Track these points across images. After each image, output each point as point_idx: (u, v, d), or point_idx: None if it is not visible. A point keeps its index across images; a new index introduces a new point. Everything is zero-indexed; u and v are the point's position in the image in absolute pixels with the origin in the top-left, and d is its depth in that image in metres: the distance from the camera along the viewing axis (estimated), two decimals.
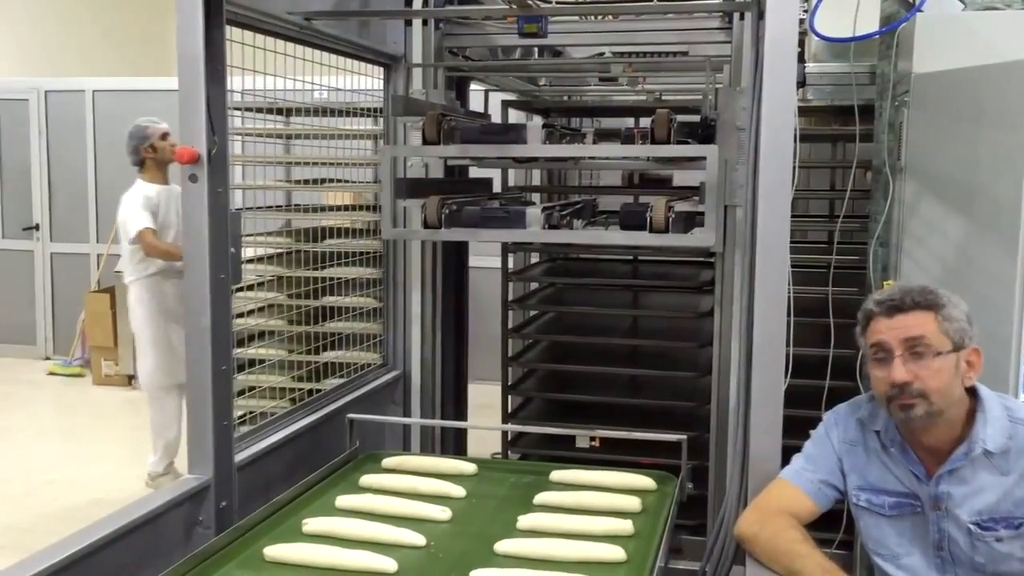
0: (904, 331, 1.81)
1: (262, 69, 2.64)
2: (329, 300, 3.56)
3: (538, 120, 2.83)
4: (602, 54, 3.52)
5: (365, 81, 3.24)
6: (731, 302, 2.78)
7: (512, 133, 2.70)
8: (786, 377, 2.12)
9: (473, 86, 3.68)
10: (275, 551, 1.98)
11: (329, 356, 3.32)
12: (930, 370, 1.79)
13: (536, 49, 3.70)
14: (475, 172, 3.51)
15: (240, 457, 2.39)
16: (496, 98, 3.84)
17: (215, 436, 2.25)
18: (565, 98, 4.54)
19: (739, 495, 2.09)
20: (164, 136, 4.62)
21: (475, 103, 3.67)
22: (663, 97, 3.93)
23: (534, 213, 2.67)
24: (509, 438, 3.74)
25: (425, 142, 2.67)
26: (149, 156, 4.60)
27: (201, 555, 1.93)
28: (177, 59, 2.13)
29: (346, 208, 4.49)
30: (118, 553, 1.99)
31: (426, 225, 2.67)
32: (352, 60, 3.10)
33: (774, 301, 2.00)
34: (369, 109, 3.39)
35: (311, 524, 2.12)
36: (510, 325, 3.89)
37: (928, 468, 1.88)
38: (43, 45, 8.80)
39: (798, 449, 2.16)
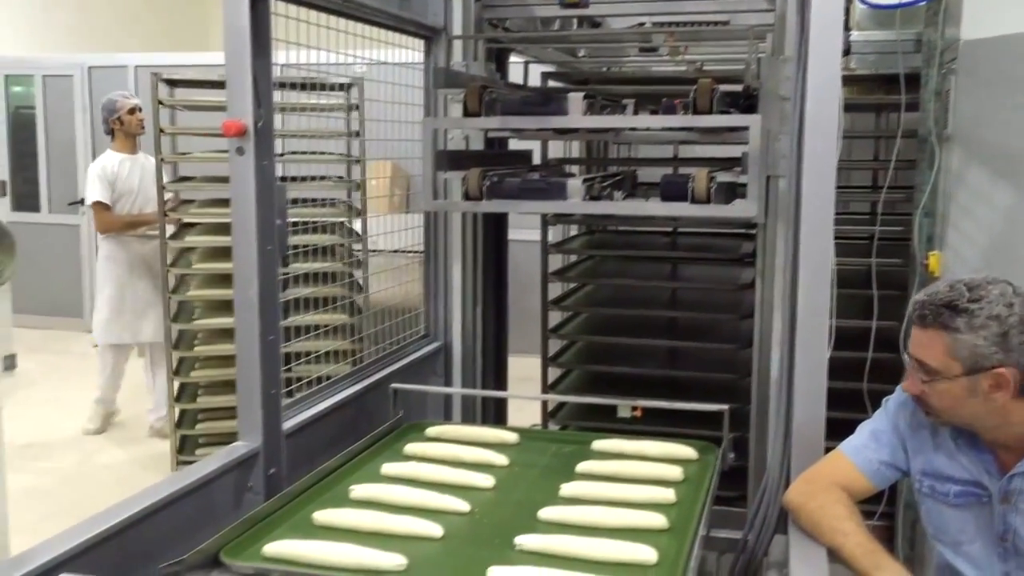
0: (916, 348, 1.79)
1: (304, 42, 2.65)
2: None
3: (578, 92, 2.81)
4: (642, 24, 3.49)
5: (406, 54, 3.26)
6: (773, 274, 2.77)
7: (553, 104, 2.70)
8: (828, 349, 2.11)
9: (513, 58, 3.67)
10: (324, 516, 2.02)
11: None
12: (934, 391, 1.77)
13: (575, 20, 3.68)
14: (514, 144, 3.52)
15: (287, 425, 2.44)
16: (536, 70, 3.83)
17: (264, 405, 2.30)
18: (604, 69, 4.52)
19: (781, 466, 2.09)
20: (132, 111, 5.02)
21: (515, 75, 3.66)
22: (704, 67, 3.89)
23: (575, 184, 2.67)
24: (549, 409, 3.77)
25: (467, 114, 2.68)
26: (117, 128, 4.99)
27: (253, 519, 1.98)
28: (224, 33, 2.16)
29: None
30: (171, 516, 2.04)
31: (467, 197, 2.69)
32: (393, 32, 3.11)
33: (819, 272, 1.99)
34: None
35: (358, 490, 2.16)
36: (549, 298, 3.91)
37: (1001, 461, 1.82)
38: (86, 22, 8.92)
39: (839, 422, 2.15)
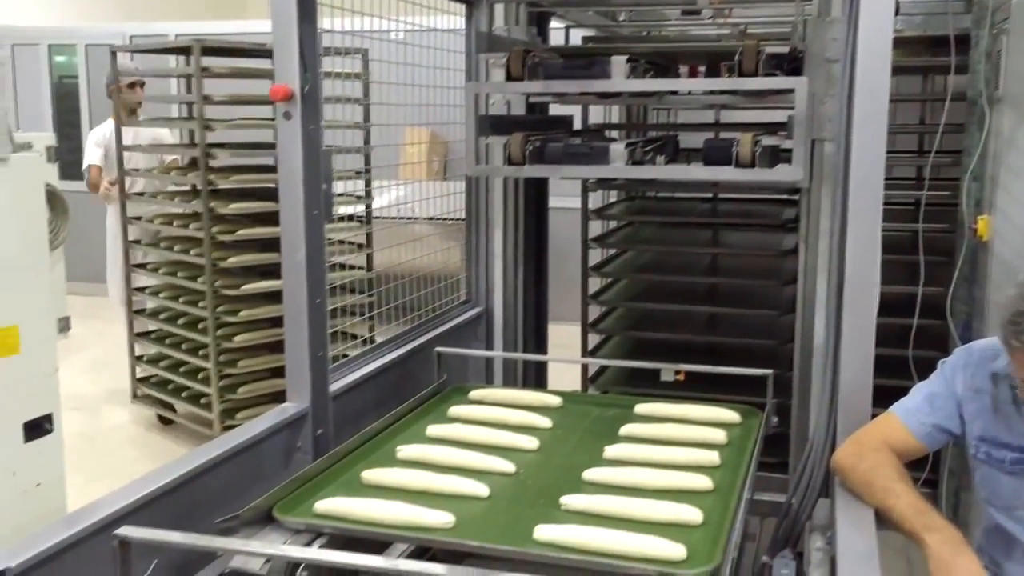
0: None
1: (349, 7, 2.66)
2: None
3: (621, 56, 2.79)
4: None
5: (444, 20, 3.25)
6: (817, 239, 2.75)
7: (596, 68, 2.68)
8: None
9: (553, 23, 3.65)
10: (372, 475, 2.06)
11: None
12: None
13: None
14: (555, 110, 3.51)
15: (333, 388, 2.48)
16: (576, 35, 3.81)
17: (311, 367, 2.34)
18: (645, 33, 4.48)
19: (827, 429, 2.09)
20: (132, 85, 5.22)
21: (555, 40, 3.64)
22: (747, 30, 3.84)
23: (617, 149, 2.67)
24: (589, 375, 3.79)
25: (510, 78, 2.67)
26: (116, 99, 5.12)
27: (303, 477, 2.02)
28: None
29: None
30: (223, 475, 2.09)
31: (510, 162, 2.69)
32: None
33: (868, 236, 1.97)
34: None
35: (404, 451, 2.20)
36: (589, 264, 3.91)
37: None
38: None
39: (883, 389, 2.14)
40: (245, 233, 4.48)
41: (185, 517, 1.93)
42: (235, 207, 4.50)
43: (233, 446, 2.12)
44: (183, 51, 4.93)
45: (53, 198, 3.52)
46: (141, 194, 5.28)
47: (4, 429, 2.96)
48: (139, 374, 5.21)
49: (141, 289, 5.15)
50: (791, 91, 2.58)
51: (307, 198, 2.27)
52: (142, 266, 5.15)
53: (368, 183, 4.46)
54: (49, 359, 3.09)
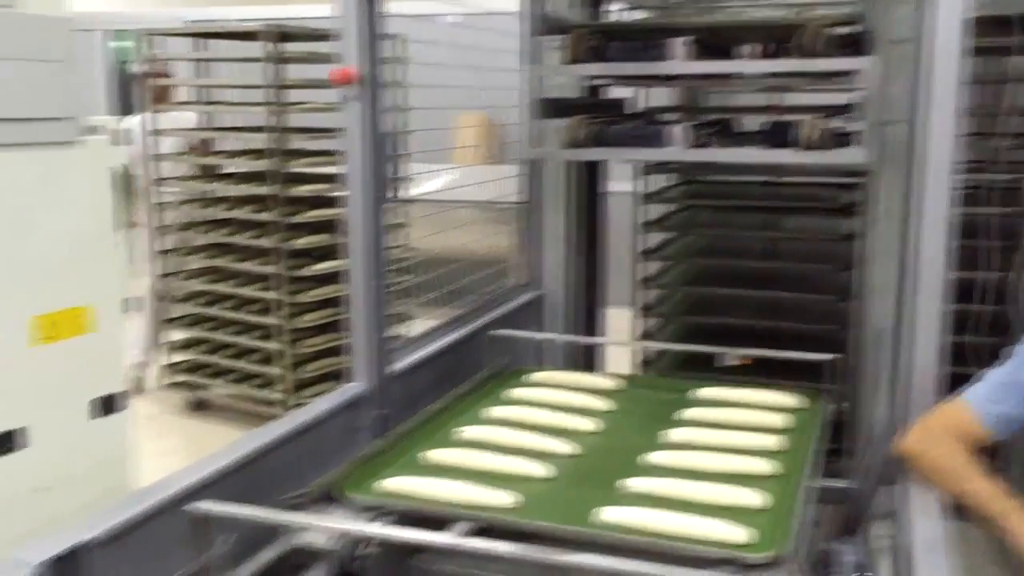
0: None
1: None
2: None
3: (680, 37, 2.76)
4: None
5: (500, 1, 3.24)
6: (880, 223, 2.71)
7: (656, 51, 2.66)
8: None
9: (610, 5, 3.62)
10: (434, 455, 2.08)
11: None
12: None
13: None
14: (610, 93, 3.48)
15: (394, 368, 2.50)
16: (632, 17, 3.77)
17: (374, 348, 2.37)
18: (702, 15, 4.42)
19: (892, 416, 2.06)
20: (156, 75, 5.23)
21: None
22: (805, 12, 3.78)
23: (677, 132, 2.65)
24: (643, 360, 3.78)
25: (569, 61, 2.66)
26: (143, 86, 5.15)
27: (365, 457, 2.05)
28: None
29: None
30: (287, 453, 2.13)
31: (569, 145, 2.68)
32: None
33: (940, 220, 1.94)
34: None
35: (464, 432, 2.22)
36: (642, 249, 3.89)
37: None
38: None
39: (956, 376, 2.10)
40: (314, 215, 4.57)
41: (253, 493, 1.96)
42: (304, 189, 4.59)
43: (298, 425, 2.15)
44: (248, 36, 4.98)
45: (122, 180, 3.62)
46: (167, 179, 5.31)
47: (74, 406, 3.04)
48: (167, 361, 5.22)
49: (172, 274, 5.18)
50: (853, 72, 2.55)
51: (370, 181, 2.29)
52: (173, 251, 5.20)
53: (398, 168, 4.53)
54: (117, 338, 3.17)
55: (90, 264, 3.05)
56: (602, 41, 2.72)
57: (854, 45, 2.65)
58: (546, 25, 2.87)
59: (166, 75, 5.36)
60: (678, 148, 2.61)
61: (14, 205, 2.82)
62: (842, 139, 2.58)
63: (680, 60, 2.57)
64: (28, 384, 2.88)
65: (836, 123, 2.58)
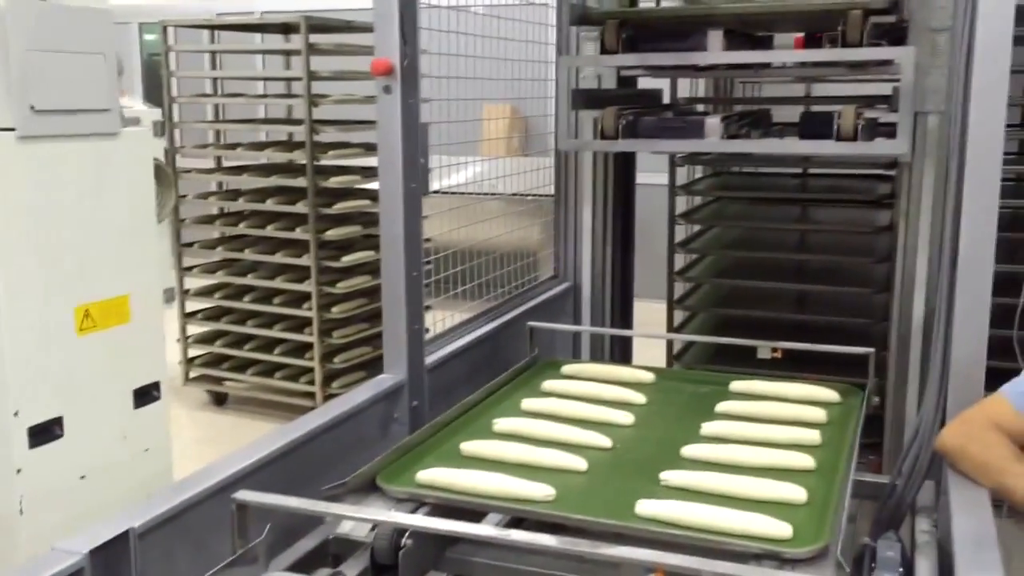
0: None
1: None
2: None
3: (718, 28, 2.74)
4: None
5: None
6: (918, 215, 2.67)
7: (691, 40, 2.64)
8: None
9: None
10: (470, 447, 2.08)
11: None
12: None
13: None
14: (642, 83, 3.46)
15: (429, 360, 2.51)
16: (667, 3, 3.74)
17: (408, 339, 2.37)
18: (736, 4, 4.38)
19: (936, 409, 2.04)
20: None
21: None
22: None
23: (713, 123, 2.63)
24: (675, 352, 3.75)
25: (603, 51, 2.65)
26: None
27: (404, 447, 2.06)
28: None
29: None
30: (325, 443, 2.14)
31: (603, 136, 2.67)
32: None
33: (984, 211, 1.91)
34: None
35: (501, 424, 2.21)
36: (675, 241, 3.86)
37: None
38: None
39: (992, 370, 2.08)
40: (345, 206, 4.61)
41: (291, 483, 1.98)
42: (336, 181, 4.62)
43: (336, 415, 2.16)
44: (283, 29, 5.01)
45: (160, 172, 3.65)
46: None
47: (116, 395, 3.08)
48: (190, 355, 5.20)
49: (190, 268, 5.17)
50: (891, 62, 2.51)
51: (406, 172, 2.29)
52: (190, 245, 5.20)
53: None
54: (157, 328, 3.20)
55: (133, 254, 3.08)
56: (636, 31, 2.70)
57: (892, 33, 2.62)
58: (579, 15, 2.86)
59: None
60: (713, 140, 2.59)
61: (61, 195, 2.85)
62: (880, 129, 2.55)
63: (715, 51, 2.55)
64: (74, 372, 2.91)
65: (873, 113, 2.55)
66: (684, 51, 2.64)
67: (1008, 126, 4.11)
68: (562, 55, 3.04)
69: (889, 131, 2.50)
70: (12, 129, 2.69)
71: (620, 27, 2.63)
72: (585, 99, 2.77)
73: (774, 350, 2.69)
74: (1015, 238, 2.94)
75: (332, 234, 4.63)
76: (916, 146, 2.55)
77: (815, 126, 2.58)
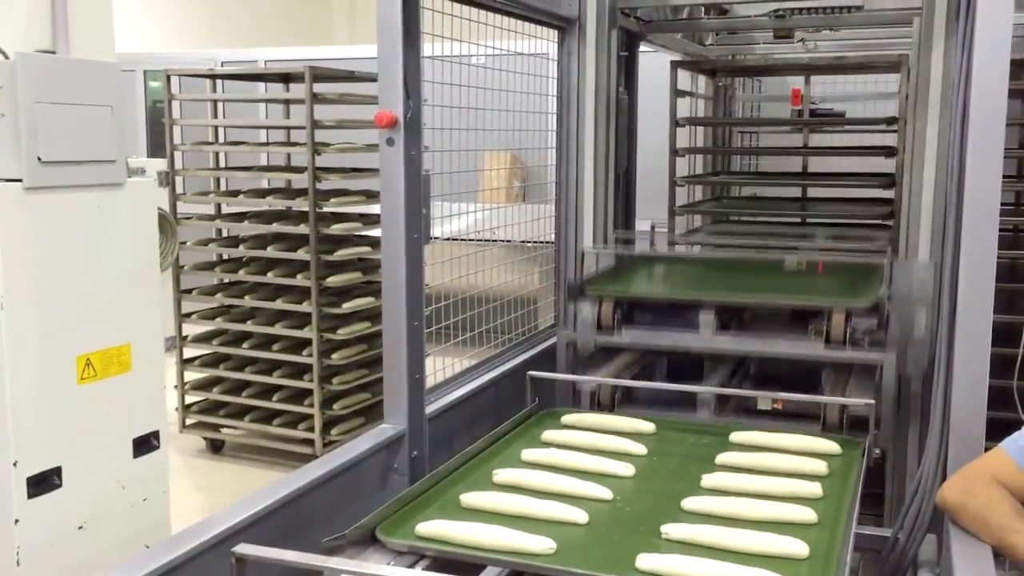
0: None
1: (446, 34, 2.71)
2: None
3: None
4: (777, 11, 3.43)
5: (530, 44, 3.28)
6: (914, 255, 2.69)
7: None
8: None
9: (643, 47, 3.66)
10: (471, 498, 2.06)
11: None
12: None
13: (703, 7, 3.65)
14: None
15: (429, 410, 2.50)
16: (665, 58, 3.81)
17: (408, 389, 2.37)
18: (729, 57, 4.46)
19: (937, 463, 2.03)
20: None
21: (644, 63, 3.64)
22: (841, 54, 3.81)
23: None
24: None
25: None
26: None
27: (404, 499, 2.04)
28: (377, 25, 2.22)
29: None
30: (325, 494, 2.13)
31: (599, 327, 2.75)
32: (525, 22, 3.14)
33: (982, 263, 1.92)
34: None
35: (501, 475, 2.20)
36: None
37: None
38: (217, 16, 9.26)
39: (994, 421, 2.07)
40: (346, 253, 4.63)
41: (291, 534, 1.97)
42: (338, 228, 4.64)
43: (336, 466, 2.16)
44: (284, 78, 5.08)
45: (163, 221, 3.67)
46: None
47: (115, 444, 3.06)
48: (187, 401, 5.14)
49: (188, 315, 5.13)
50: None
51: (408, 222, 2.31)
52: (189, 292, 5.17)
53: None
54: (158, 377, 3.20)
55: (136, 303, 3.09)
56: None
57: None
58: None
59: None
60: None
61: (66, 245, 2.87)
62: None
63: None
64: (74, 421, 2.90)
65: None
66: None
67: (1005, 177, 4.18)
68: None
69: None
70: (19, 180, 2.71)
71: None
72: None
73: (774, 401, 2.69)
74: (1014, 288, 2.95)
75: (334, 280, 4.65)
76: (912, 202, 2.58)
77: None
